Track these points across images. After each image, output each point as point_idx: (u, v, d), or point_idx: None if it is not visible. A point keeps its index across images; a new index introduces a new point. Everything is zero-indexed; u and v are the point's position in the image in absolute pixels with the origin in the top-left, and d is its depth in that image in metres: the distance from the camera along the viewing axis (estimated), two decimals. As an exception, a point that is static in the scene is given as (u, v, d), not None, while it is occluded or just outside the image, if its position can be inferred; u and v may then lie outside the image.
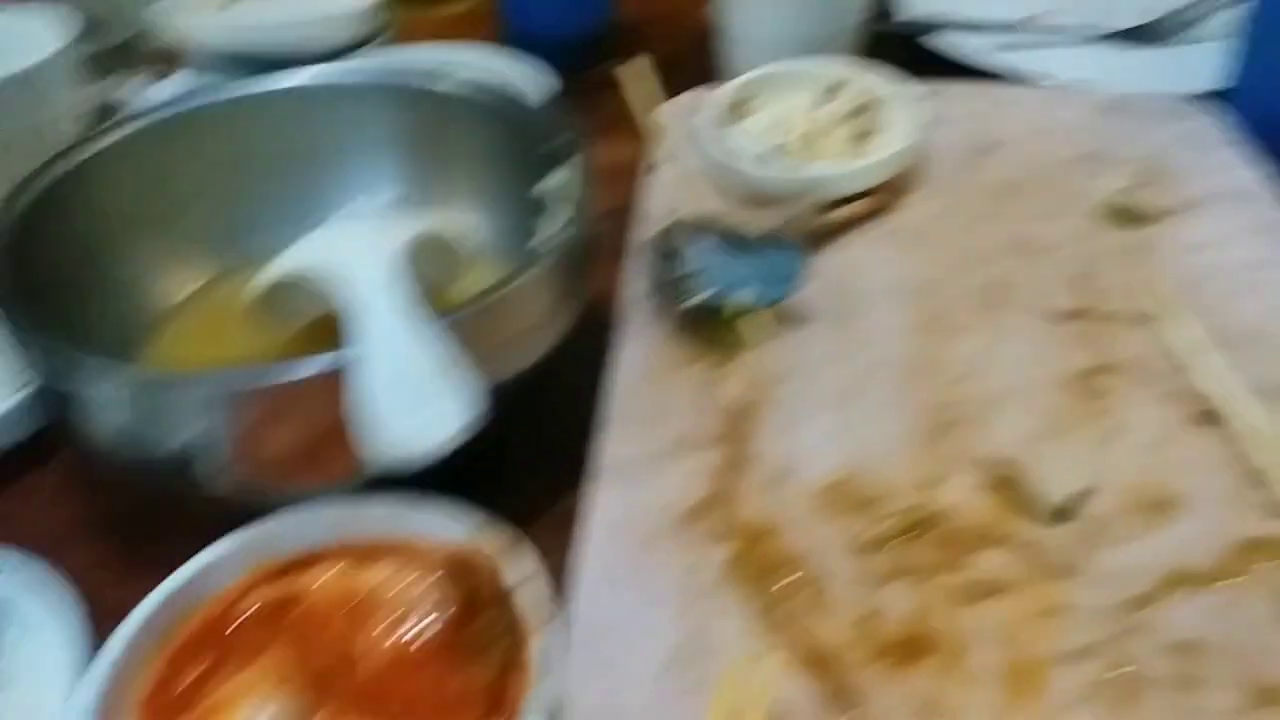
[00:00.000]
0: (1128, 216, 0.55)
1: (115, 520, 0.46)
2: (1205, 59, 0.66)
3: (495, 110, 0.49)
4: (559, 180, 0.45)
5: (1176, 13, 0.74)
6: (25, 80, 0.57)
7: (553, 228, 0.42)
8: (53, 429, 0.48)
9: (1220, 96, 0.62)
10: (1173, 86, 0.65)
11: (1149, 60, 0.72)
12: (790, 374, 0.47)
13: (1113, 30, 0.75)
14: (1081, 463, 0.42)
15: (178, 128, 0.49)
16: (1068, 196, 0.57)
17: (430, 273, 0.46)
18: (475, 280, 0.49)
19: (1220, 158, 0.58)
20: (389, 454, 0.32)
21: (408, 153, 0.51)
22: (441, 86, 0.50)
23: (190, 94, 0.50)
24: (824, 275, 0.52)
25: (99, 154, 0.46)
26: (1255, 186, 0.55)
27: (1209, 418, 0.43)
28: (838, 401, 0.46)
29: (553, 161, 0.46)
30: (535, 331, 0.41)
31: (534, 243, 0.42)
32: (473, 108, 0.49)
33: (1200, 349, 0.46)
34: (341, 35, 0.67)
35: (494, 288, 0.38)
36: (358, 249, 0.39)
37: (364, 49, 0.68)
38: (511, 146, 0.49)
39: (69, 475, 0.48)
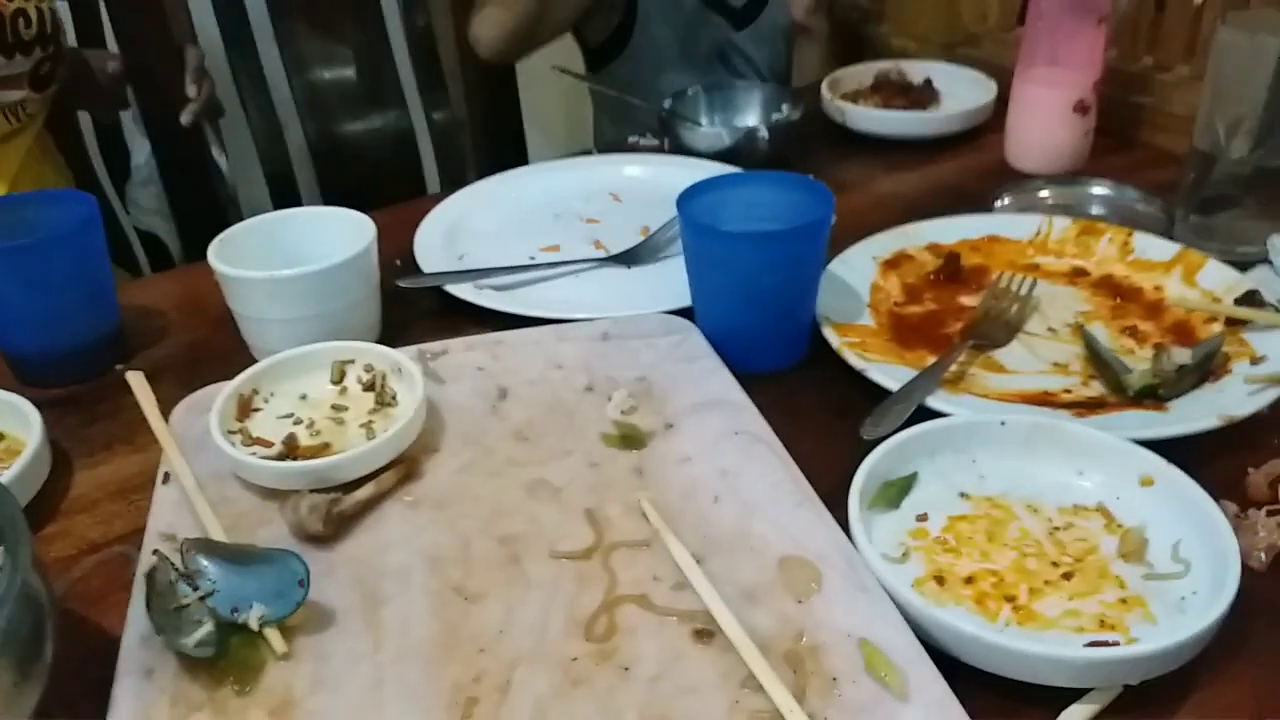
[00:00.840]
0: (629, 440, 0.60)
1: None
2: (681, 276, 0.76)
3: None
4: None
5: (658, 233, 0.84)
6: None
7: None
8: None
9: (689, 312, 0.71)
10: (662, 304, 0.73)
11: (640, 280, 0.81)
12: (315, 687, 0.46)
13: (608, 256, 0.83)
14: (597, 714, 0.44)
15: None
16: (577, 430, 0.62)
17: None
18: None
19: (697, 369, 0.66)
20: None
21: None
22: None
23: None
24: (348, 565, 0.52)
25: None
26: (725, 393, 0.63)
27: (706, 633, 0.47)
28: (365, 707, 0.45)
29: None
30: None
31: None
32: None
33: (690, 564, 0.50)
34: None
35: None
36: None
37: None
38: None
39: None
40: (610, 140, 1.40)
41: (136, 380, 0.65)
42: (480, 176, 0.97)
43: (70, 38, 1.15)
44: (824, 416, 0.64)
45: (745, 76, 1.41)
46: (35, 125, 1.04)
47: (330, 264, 0.68)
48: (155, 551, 0.50)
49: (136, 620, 0.48)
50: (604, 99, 1.47)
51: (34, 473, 0.60)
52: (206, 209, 1.31)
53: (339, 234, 0.73)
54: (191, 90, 1.15)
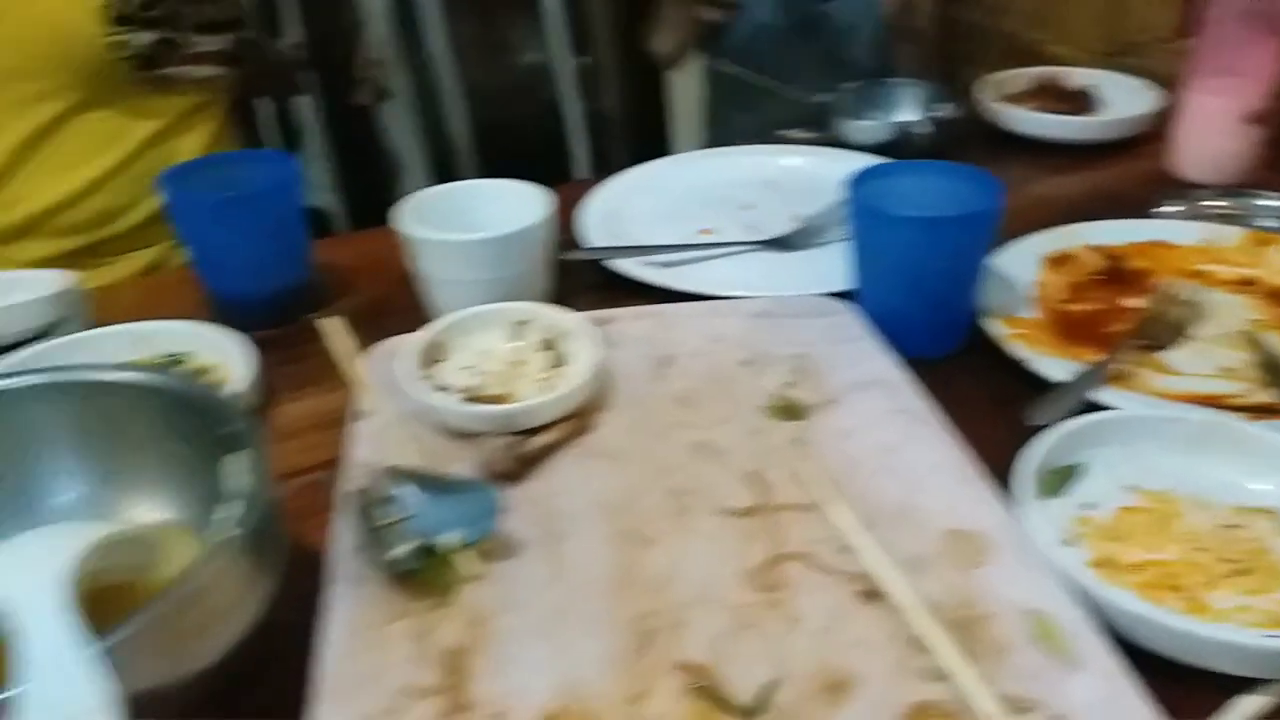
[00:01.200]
0: (789, 411, 0.63)
1: None
2: (839, 261, 0.77)
3: (169, 396, 0.50)
4: (236, 464, 0.46)
5: (812, 220, 0.86)
6: None
7: (230, 513, 0.43)
8: None
9: (850, 294, 0.73)
10: (817, 287, 0.75)
11: (795, 265, 0.83)
12: (503, 608, 0.49)
13: (762, 240, 0.86)
14: (767, 656, 0.46)
15: None
16: (738, 399, 0.64)
17: (125, 565, 0.46)
18: (177, 558, 0.48)
19: (858, 349, 0.67)
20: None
21: (90, 445, 0.51)
22: (110, 377, 0.50)
23: None
24: (529, 504, 0.56)
25: None
26: (887, 373, 0.65)
27: (872, 595, 0.49)
28: (548, 629, 0.48)
29: (230, 444, 0.47)
30: (226, 616, 0.41)
31: (210, 533, 0.42)
32: (148, 395, 0.50)
33: (856, 531, 0.52)
34: (25, 324, 0.66)
35: (173, 586, 0.38)
36: (24, 574, 0.38)
37: (53, 335, 0.67)
38: (189, 429, 0.49)
39: None
40: (736, 129, 1.44)
41: (334, 325, 0.70)
42: (624, 166, 1.01)
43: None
44: (980, 405, 0.65)
45: (841, 53, 1.43)
46: (219, 103, 1.12)
47: (513, 230, 0.72)
48: (359, 477, 0.54)
49: (345, 534, 0.52)
50: (725, 89, 1.50)
51: (250, 399, 0.66)
52: (372, 185, 1.38)
53: (513, 206, 0.77)
54: (364, 73, 1.22)
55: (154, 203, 1.05)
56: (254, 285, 0.75)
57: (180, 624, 0.38)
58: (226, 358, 0.69)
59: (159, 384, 0.49)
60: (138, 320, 0.72)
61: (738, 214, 0.92)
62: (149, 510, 0.51)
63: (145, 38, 0.97)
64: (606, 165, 1.52)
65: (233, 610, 0.41)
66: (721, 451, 0.60)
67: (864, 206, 0.67)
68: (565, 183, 1.04)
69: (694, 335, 0.70)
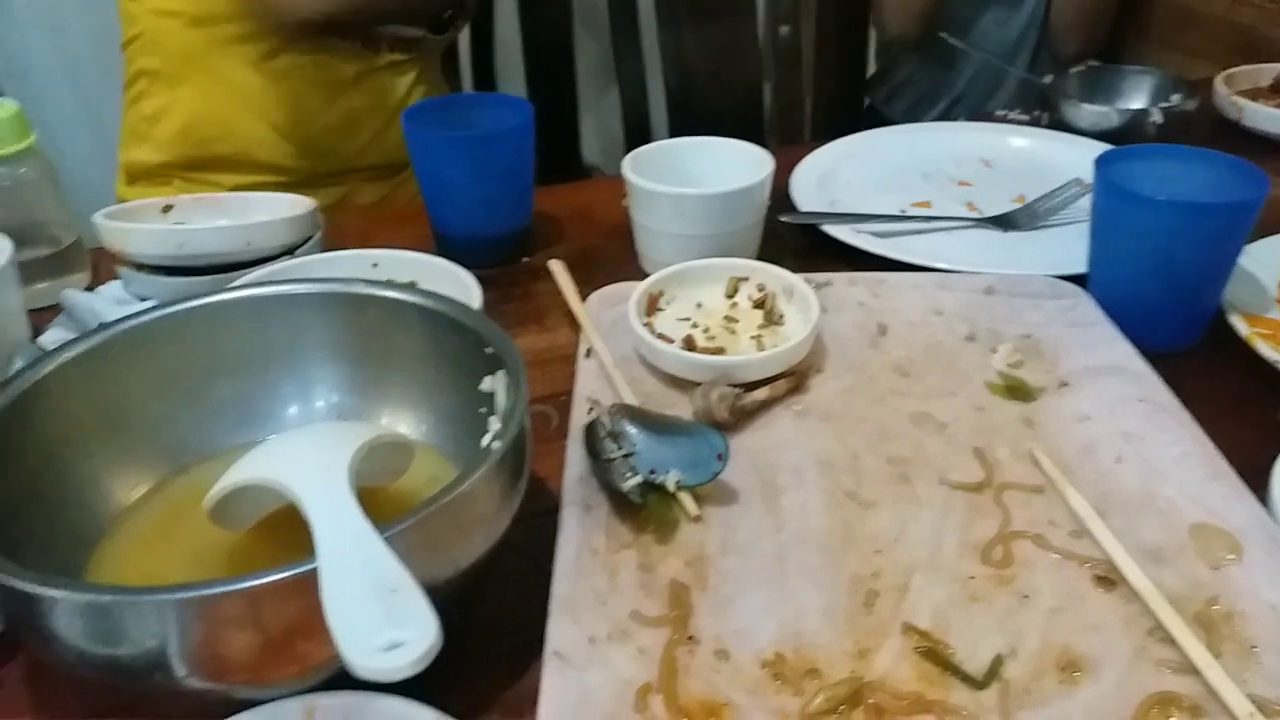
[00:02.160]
0: (1017, 391, 0.61)
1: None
2: (1067, 244, 0.75)
3: (433, 314, 0.52)
4: (500, 382, 0.48)
5: (1039, 201, 0.83)
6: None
7: (497, 427, 0.45)
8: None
9: (1081, 278, 0.70)
10: (1041, 269, 0.72)
11: (1017, 245, 0.81)
12: (723, 550, 0.50)
13: (982, 217, 0.83)
14: (996, 629, 0.45)
15: (128, 342, 0.50)
16: (960, 374, 0.63)
17: (379, 470, 0.48)
18: (418, 472, 0.51)
19: (1092, 335, 0.65)
20: (362, 667, 0.33)
21: (351, 356, 0.54)
22: (382, 292, 0.53)
23: (142, 310, 0.52)
24: (746, 454, 0.56)
25: (52, 373, 0.48)
26: (1126, 361, 0.62)
27: (1107, 580, 0.47)
28: (770, 576, 0.48)
29: (491, 363, 0.49)
30: (484, 524, 0.43)
31: (484, 441, 0.44)
32: (411, 312, 0.52)
33: (1091, 515, 0.50)
34: (278, 241, 0.70)
35: (447, 489, 0.40)
36: (313, 463, 0.41)
37: (298, 253, 0.71)
38: (449, 348, 0.52)
39: (13, 688, 0.47)
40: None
41: (558, 268, 0.72)
42: (821, 138, 0.99)
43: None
44: (1222, 403, 0.61)
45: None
46: (426, 62, 1.13)
47: (736, 188, 0.72)
48: (590, 410, 0.56)
49: (575, 463, 0.54)
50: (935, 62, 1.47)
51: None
52: (564, 146, 1.42)
53: (729, 165, 0.78)
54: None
55: (355, 141, 1.08)
56: (483, 224, 0.78)
57: (446, 526, 0.40)
58: (453, 290, 0.71)
59: (427, 303, 0.52)
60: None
61: (955, 190, 0.90)
62: (395, 424, 0.54)
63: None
64: (799, 136, 1.50)
65: (488, 521, 0.43)
66: (944, 424, 0.58)
67: (1116, 188, 0.64)
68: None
69: (913, 305, 0.69)
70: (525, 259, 0.81)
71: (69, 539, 0.47)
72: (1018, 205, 0.84)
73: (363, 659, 0.32)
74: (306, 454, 0.43)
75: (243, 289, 0.54)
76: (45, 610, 0.37)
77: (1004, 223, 0.83)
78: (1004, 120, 1.06)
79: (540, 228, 0.86)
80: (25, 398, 0.46)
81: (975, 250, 0.78)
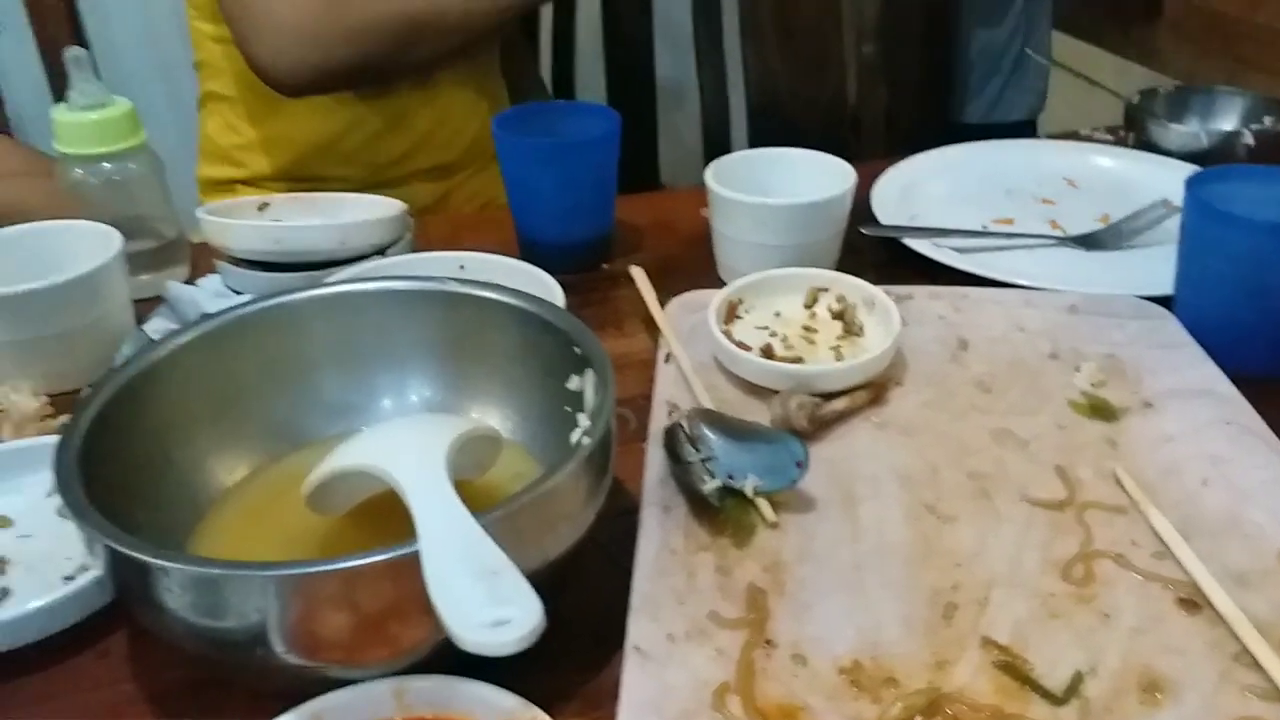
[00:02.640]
0: (1100, 411, 0.60)
1: (166, 699, 0.47)
2: (1152, 266, 0.74)
3: (524, 314, 0.54)
4: (588, 381, 0.50)
5: (1125, 221, 0.82)
6: (88, 281, 0.65)
7: (586, 425, 0.46)
8: (101, 614, 0.50)
9: (1166, 300, 0.69)
10: (1125, 289, 0.71)
11: (1101, 264, 0.80)
12: (801, 557, 0.50)
13: (1066, 236, 0.82)
14: (1076, 646, 0.45)
15: (233, 332, 0.53)
16: (1042, 391, 0.62)
17: (469, 463, 0.50)
18: (504, 468, 0.52)
19: (1178, 356, 0.64)
20: (469, 642, 0.34)
21: (443, 352, 0.56)
22: (476, 291, 0.55)
23: (247, 301, 0.54)
24: (824, 464, 0.56)
25: (162, 360, 0.50)
26: (1212, 384, 0.61)
27: (1191, 603, 0.47)
28: (847, 585, 0.49)
29: (580, 363, 0.50)
30: (571, 519, 0.44)
31: (573, 438, 0.46)
32: (504, 311, 0.54)
33: (1176, 537, 0.50)
34: (371, 240, 0.72)
35: (539, 481, 0.41)
36: (413, 452, 0.43)
37: (388, 253, 0.73)
38: (539, 347, 0.53)
39: (118, 657, 0.49)
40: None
41: (639, 274, 0.73)
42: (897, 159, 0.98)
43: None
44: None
45: None
46: (476, 66, 1.11)
47: (819, 199, 0.73)
48: (670, 414, 0.57)
49: (655, 465, 0.55)
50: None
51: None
52: (638, 154, 1.43)
53: (809, 177, 0.78)
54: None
55: (404, 146, 1.07)
56: (567, 230, 0.79)
57: (536, 519, 0.41)
58: (536, 294, 0.73)
59: (519, 304, 0.53)
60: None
61: (1038, 207, 0.89)
62: (483, 420, 0.56)
63: None
64: (880, 151, 1.49)
65: (575, 516, 0.44)
66: (1025, 441, 0.58)
67: (1209, 209, 0.63)
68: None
69: (995, 321, 0.69)
70: (605, 265, 0.82)
71: (172, 519, 0.50)
72: (1102, 225, 0.83)
73: (469, 633, 0.34)
74: (406, 443, 0.45)
75: (342, 284, 0.56)
76: (157, 581, 0.39)
77: (1088, 242, 0.82)
78: (1088, 139, 1.04)
79: (620, 235, 0.87)
80: (139, 380, 0.49)
81: (1058, 268, 0.78)
